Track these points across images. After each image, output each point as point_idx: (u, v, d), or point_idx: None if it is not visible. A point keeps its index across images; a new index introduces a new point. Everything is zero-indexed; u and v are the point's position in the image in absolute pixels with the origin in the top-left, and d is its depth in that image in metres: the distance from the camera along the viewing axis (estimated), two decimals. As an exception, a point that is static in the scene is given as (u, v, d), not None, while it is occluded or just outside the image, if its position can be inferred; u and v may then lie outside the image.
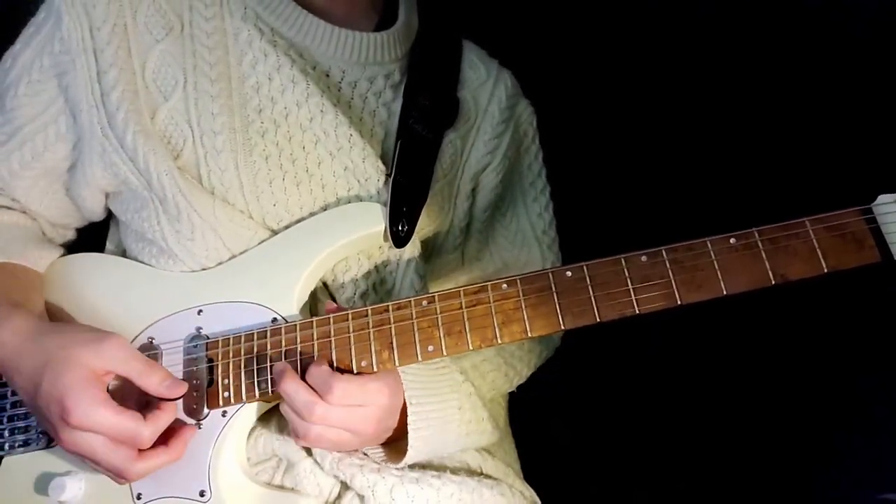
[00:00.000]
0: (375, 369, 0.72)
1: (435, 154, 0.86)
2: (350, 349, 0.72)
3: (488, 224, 0.95)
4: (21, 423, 0.79)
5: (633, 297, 0.69)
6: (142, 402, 0.72)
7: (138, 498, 0.74)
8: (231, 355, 0.75)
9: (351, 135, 0.81)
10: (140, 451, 0.69)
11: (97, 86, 0.77)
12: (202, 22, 0.81)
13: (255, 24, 0.81)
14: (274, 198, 0.79)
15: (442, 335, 0.71)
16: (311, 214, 0.80)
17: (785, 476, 1.12)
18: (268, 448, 0.79)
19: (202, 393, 0.75)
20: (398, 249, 0.82)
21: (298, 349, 0.73)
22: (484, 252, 0.95)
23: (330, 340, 0.73)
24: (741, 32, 1.16)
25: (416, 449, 0.74)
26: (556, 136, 1.01)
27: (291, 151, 0.80)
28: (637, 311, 0.69)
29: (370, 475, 0.75)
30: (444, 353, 0.71)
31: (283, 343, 0.74)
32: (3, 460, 0.79)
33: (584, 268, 0.70)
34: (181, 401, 0.74)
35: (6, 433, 0.79)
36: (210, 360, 0.76)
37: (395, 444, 0.76)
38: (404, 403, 0.73)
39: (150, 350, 0.77)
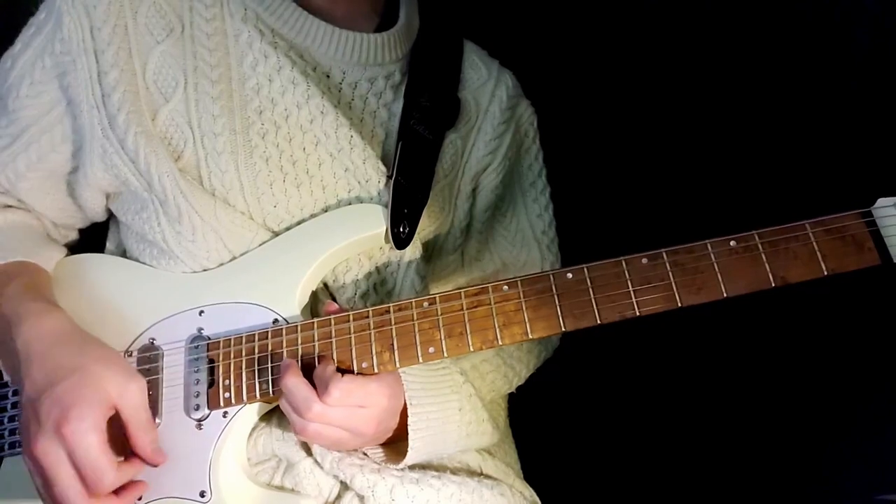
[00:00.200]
0: (376, 370, 0.72)
1: (436, 155, 0.86)
2: (351, 350, 0.72)
3: (488, 225, 0.95)
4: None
5: (634, 300, 0.69)
6: (116, 448, 0.70)
7: (138, 498, 0.74)
8: (232, 356, 0.75)
9: (351, 136, 0.81)
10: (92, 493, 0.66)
11: (98, 87, 0.77)
12: (202, 23, 0.81)
13: (255, 25, 0.81)
14: (274, 199, 0.79)
15: (443, 337, 0.72)
16: (312, 216, 0.80)
17: (785, 476, 1.13)
18: (268, 448, 0.79)
19: (203, 394, 0.75)
20: (399, 251, 0.82)
21: (299, 350, 0.73)
22: (484, 252, 0.95)
23: (331, 341, 0.73)
24: (742, 34, 1.16)
25: (417, 450, 0.74)
26: (557, 137, 1.01)
27: (292, 153, 0.80)
28: (637, 314, 0.69)
29: (370, 475, 0.75)
30: (445, 355, 0.71)
31: (284, 344, 0.74)
32: (3, 460, 0.79)
33: (585, 269, 0.71)
34: (183, 402, 0.75)
35: (6, 433, 0.79)
36: (211, 361, 0.76)
37: (395, 444, 0.76)
38: (404, 405, 0.74)
39: (151, 351, 0.78)
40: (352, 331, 0.73)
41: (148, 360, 0.77)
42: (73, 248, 0.90)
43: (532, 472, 0.91)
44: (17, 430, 0.79)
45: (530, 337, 0.71)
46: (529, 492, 0.86)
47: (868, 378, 1.06)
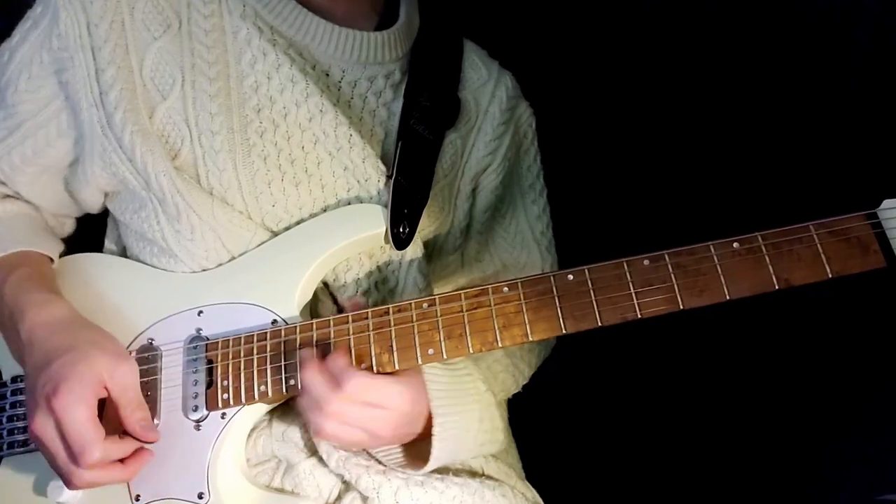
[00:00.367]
0: (375, 372, 0.71)
1: (436, 155, 0.85)
2: (350, 351, 0.72)
3: (488, 226, 0.95)
4: (21, 424, 0.79)
5: (635, 302, 0.68)
6: (110, 429, 0.70)
7: (137, 499, 0.74)
8: (231, 357, 0.75)
9: (351, 135, 0.80)
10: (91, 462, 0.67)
11: (95, 84, 0.76)
12: (200, 19, 0.80)
13: (253, 22, 0.80)
14: (273, 198, 0.78)
15: (442, 338, 0.71)
16: (311, 215, 0.79)
17: (785, 476, 1.13)
18: (267, 449, 0.79)
19: (202, 394, 0.74)
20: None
21: (299, 351, 0.73)
22: (483, 254, 0.95)
23: (330, 343, 0.73)
24: (742, 35, 1.15)
25: (437, 458, 0.73)
26: (559, 138, 1.01)
27: (290, 152, 0.79)
28: (639, 316, 0.68)
29: (376, 476, 0.75)
30: (444, 357, 0.71)
31: (284, 345, 0.74)
32: (3, 460, 0.79)
33: (586, 271, 0.70)
34: (181, 403, 0.75)
35: (6, 433, 0.79)
36: (210, 362, 0.75)
37: (412, 445, 0.76)
38: (427, 410, 0.73)
39: (150, 351, 0.77)
40: (351, 332, 0.73)
41: (146, 361, 0.77)
42: (72, 246, 0.90)
43: (534, 473, 0.91)
44: (17, 429, 0.79)
45: (530, 339, 0.70)
46: (532, 493, 0.86)
47: (869, 379, 1.06)
